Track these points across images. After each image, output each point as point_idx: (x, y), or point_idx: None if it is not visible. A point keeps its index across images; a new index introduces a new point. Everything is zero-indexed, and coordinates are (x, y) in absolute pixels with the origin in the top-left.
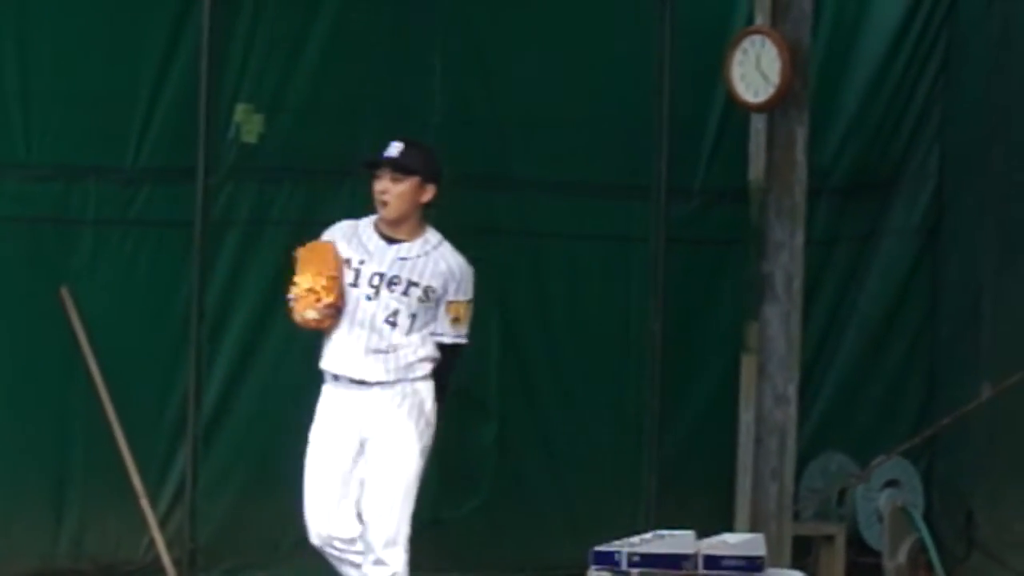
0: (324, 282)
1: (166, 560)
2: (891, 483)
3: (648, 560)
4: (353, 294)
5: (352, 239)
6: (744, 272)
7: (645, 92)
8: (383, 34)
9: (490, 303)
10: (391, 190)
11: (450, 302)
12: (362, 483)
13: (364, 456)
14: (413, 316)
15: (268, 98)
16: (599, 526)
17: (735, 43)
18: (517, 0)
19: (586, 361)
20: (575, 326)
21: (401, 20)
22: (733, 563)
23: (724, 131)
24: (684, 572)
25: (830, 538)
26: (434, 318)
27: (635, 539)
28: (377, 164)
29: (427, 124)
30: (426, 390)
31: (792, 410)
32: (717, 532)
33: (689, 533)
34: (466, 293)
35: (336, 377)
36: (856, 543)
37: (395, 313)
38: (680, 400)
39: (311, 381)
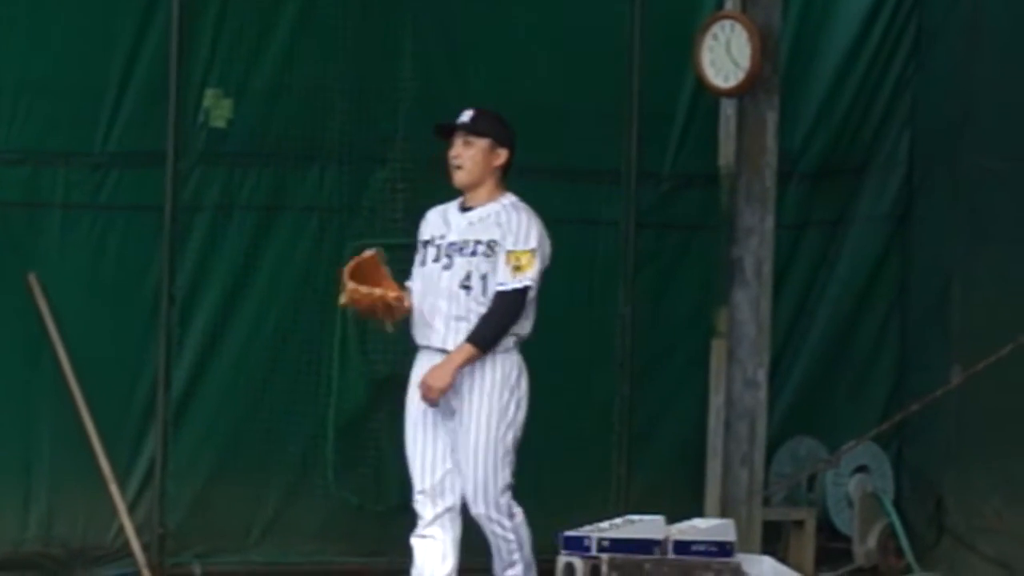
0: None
1: (135, 545)
2: (861, 468)
3: (618, 545)
4: (435, 268)
5: (436, 220)
6: (714, 257)
7: (615, 77)
8: (352, 18)
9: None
10: (463, 154)
11: (509, 251)
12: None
13: (455, 425)
14: (484, 277)
15: (237, 83)
16: (569, 511)
17: (705, 28)
18: None
19: (555, 345)
20: (545, 310)
21: (370, 4)
22: (703, 548)
23: (694, 116)
24: (654, 557)
25: (800, 523)
26: (493, 269)
27: (605, 524)
28: (449, 129)
29: (397, 108)
30: (512, 363)
31: (762, 395)
32: (687, 517)
33: (659, 518)
34: (526, 243)
35: (422, 348)
36: (826, 528)
37: (467, 276)
38: (649, 384)
39: (280, 364)
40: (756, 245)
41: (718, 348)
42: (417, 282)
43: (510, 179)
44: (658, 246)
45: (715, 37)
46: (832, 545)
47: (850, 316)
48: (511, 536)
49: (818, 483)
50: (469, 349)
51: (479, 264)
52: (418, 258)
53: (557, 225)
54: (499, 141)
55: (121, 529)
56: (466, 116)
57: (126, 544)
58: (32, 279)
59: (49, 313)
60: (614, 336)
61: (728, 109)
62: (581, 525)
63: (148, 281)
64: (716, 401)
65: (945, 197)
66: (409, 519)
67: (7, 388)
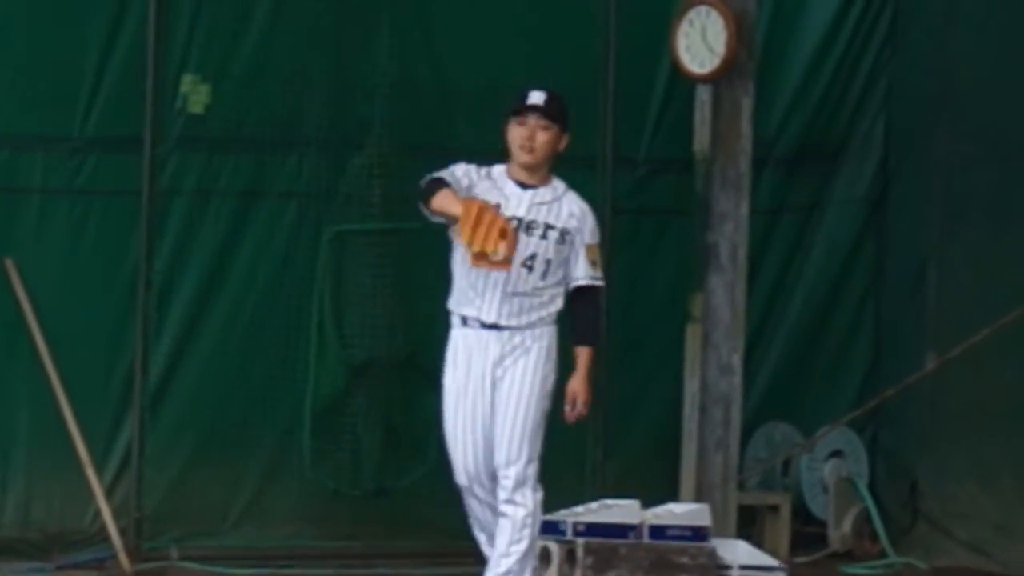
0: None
1: (112, 529)
2: (836, 453)
3: (593, 529)
4: None
5: (485, 185)
6: (689, 242)
7: (591, 63)
8: (330, 4)
9: (436, 272)
10: (538, 137)
11: (588, 245)
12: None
13: (496, 398)
14: (548, 261)
15: (215, 68)
16: (545, 496)
17: (681, 14)
18: None
19: None
20: None
21: None
22: (678, 532)
23: (669, 102)
24: (629, 541)
25: (775, 508)
26: (565, 264)
27: (580, 508)
28: (526, 110)
29: (374, 94)
30: (552, 336)
31: (737, 380)
32: (662, 501)
33: (634, 503)
34: (597, 237)
35: (465, 320)
36: (801, 513)
37: (532, 257)
38: (625, 369)
39: (258, 349)
40: (731, 230)
41: (693, 333)
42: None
43: (487, 164)
44: (634, 231)
45: (691, 23)
46: (807, 530)
47: (825, 301)
48: (524, 512)
49: (793, 468)
50: (590, 353)
51: (548, 248)
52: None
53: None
54: (565, 127)
55: (98, 513)
56: (540, 99)
57: (103, 528)
58: (9, 264)
59: (26, 298)
60: None
61: (703, 94)
62: (557, 509)
63: (126, 266)
64: (691, 386)
65: (920, 182)
66: (384, 504)
67: None
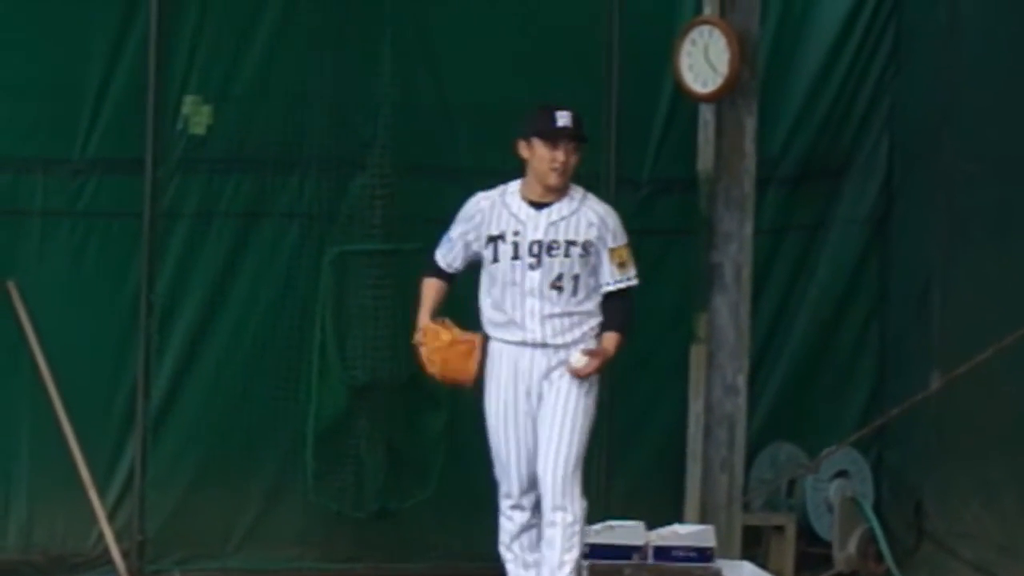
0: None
1: (115, 552)
2: (841, 473)
3: (598, 551)
4: (517, 266)
5: (499, 212)
6: (693, 262)
7: (593, 82)
8: (331, 24)
9: None
10: (571, 160)
11: (611, 249)
12: (537, 437)
13: (541, 412)
14: (576, 277)
15: (216, 90)
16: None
17: (683, 33)
18: None
19: None
20: None
21: (350, 10)
22: (683, 554)
23: (672, 121)
24: (634, 562)
25: (780, 528)
26: (596, 272)
27: (586, 529)
28: (557, 133)
29: (376, 115)
30: (592, 346)
31: (742, 400)
32: (667, 522)
33: (639, 523)
34: (623, 237)
35: (513, 343)
36: (806, 533)
37: (559, 277)
38: (629, 390)
39: (260, 371)
40: (735, 250)
41: (698, 353)
42: (497, 277)
43: (489, 185)
44: (637, 252)
45: (693, 42)
46: (812, 550)
47: (830, 321)
48: (572, 518)
49: (798, 488)
50: (618, 339)
51: (573, 265)
52: (486, 252)
53: None
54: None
55: (101, 536)
56: (567, 119)
57: (106, 551)
58: (11, 286)
59: (28, 320)
60: None
61: (707, 114)
62: None
63: (127, 288)
64: (696, 406)
65: (924, 200)
66: (386, 526)
67: None
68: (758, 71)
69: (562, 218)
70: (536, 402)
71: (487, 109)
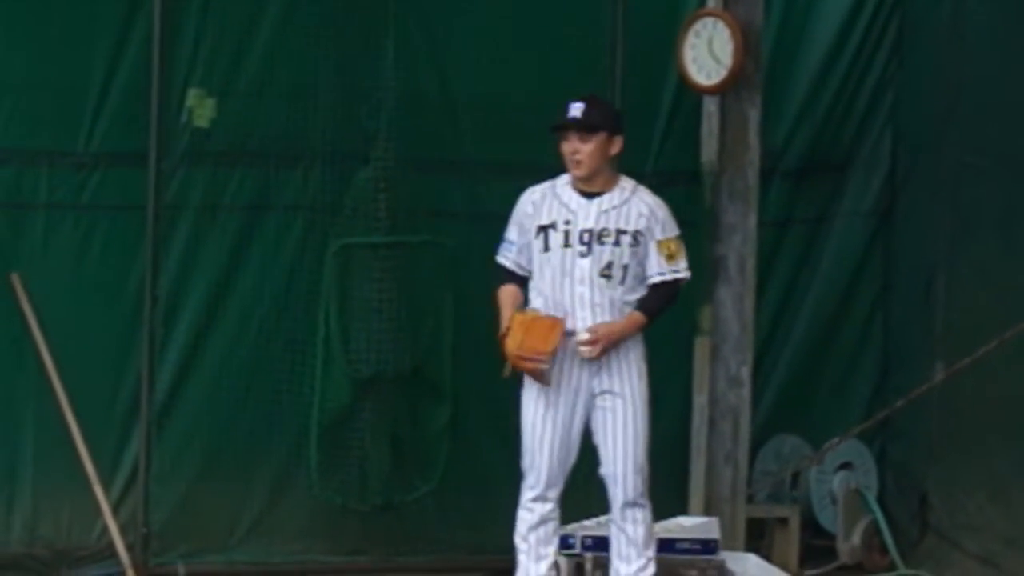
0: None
1: (120, 545)
2: (845, 465)
3: (602, 543)
4: (567, 254)
5: (550, 203)
6: (697, 254)
7: (597, 75)
8: (335, 17)
9: (442, 286)
10: (582, 149)
11: (659, 241)
12: (594, 437)
13: (596, 410)
14: (625, 267)
15: (220, 83)
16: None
17: (687, 25)
18: None
19: None
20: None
21: (353, 3)
22: (687, 546)
23: (676, 114)
24: None
25: (784, 520)
26: (644, 263)
27: (590, 522)
28: (563, 127)
29: (380, 107)
30: (640, 341)
31: (746, 392)
32: (672, 515)
33: None
34: (673, 229)
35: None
36: (810, 525)
37: (609, 266)
38: None
39: (264, 364)
40: (739, 243)
41: (702, 346)
42: (545, 267)
43: (493, 177)
44: None
45: (697, 34)
46: (816, 542)
47: (833, 313)
48: (644, 529)
49: (802, 480)
50: (641, 320)
51: (622, 254)
52: (536, 242)
53: None
54: (613, 131)
55: (105, 529)
56: (576, 111)
57: (110, 544)
58: (15, 279)
59: (32, 314)
60: None
61: (710, 106)
62: (567, 523)
63: (132, 281)
64: (700, 399)
65: (928, 193)
66: (391, 519)
67: None
68: (762, 63)
69: (613, 207)
70: (586, 398)
71: (491, 102)
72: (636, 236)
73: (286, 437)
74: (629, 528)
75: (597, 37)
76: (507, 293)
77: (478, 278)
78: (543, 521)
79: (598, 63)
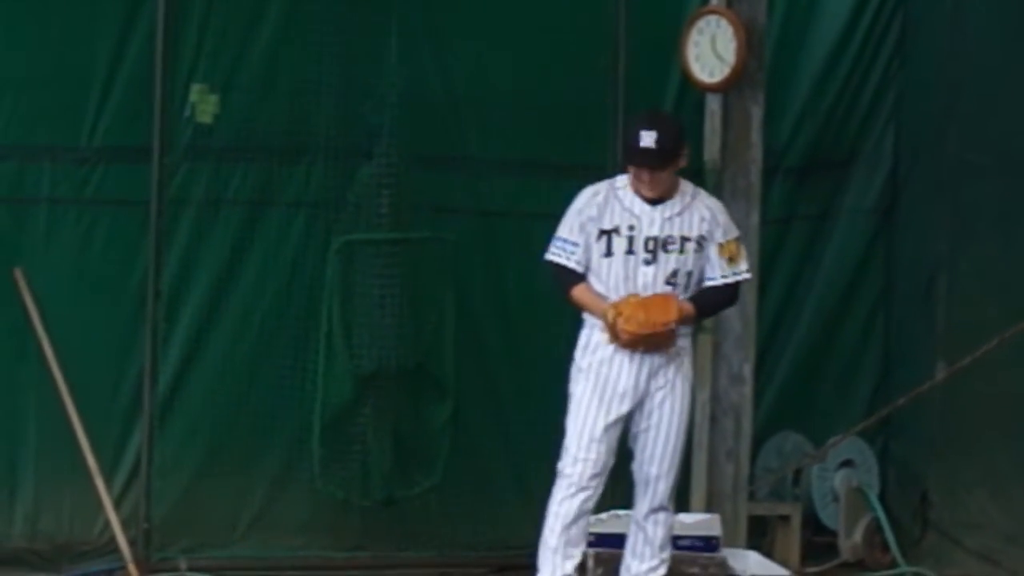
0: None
1: (121, 540)
2: (846, 463)
3: (604, 540)
4: (630, 261)
5: (612, 207)
6: None
7: (600, 72)
8: (338, 13)
9: (445, 282)
10: (655, 179)
11: (720, 244)
12: (636, 435)
13: (643, 410)
14: (689, 273)
15: (223, 78)
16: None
17: (690, 23)
18: None
19: (540, 339)
20: (529, 305)
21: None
22: (689, 543)
23: (679, 111)
24: None
25: (786, 518)
26: (704, 266)
27: (592, 519)
28: (638, 159)
29: (383, 103)
30: (691, 348)
31: (747, 390)
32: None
33: None
34: (733, 231)
35: None
36: (812, 523)
37: (674, 273)
38: None
39: (267, 359)
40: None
41: (704, 343)
42: (605, 272)
43: (496, 174)
44: None
45: (700, 32)
46: (818, 539)
47: (835, 311)
48: (663, 531)
49: (804, 478)
50: (692, 311)
51: (687, 261)
52: (597, 246)
53: (543, 219)
54: (682, 153)
55: (107, 524)
56: (650, 140)
57: (112, 539)
58: (18, 274)
59: (35, 308)
60: None
61: (713, 104)
62: None
63: (134, 276)
64: (702, 396)
65: (930, 191)
66: (393, 514)
67: None
68: (765, 61)
69: (676, 214)
70: (641, 395)
71: (494, 98)
72: (700, 241)
73: (288, 432)
74: (650, 528)
75: (600, 34)
76: (587, 291)
77: (481, 274)
78: (579, 516)
79: (601, 60)
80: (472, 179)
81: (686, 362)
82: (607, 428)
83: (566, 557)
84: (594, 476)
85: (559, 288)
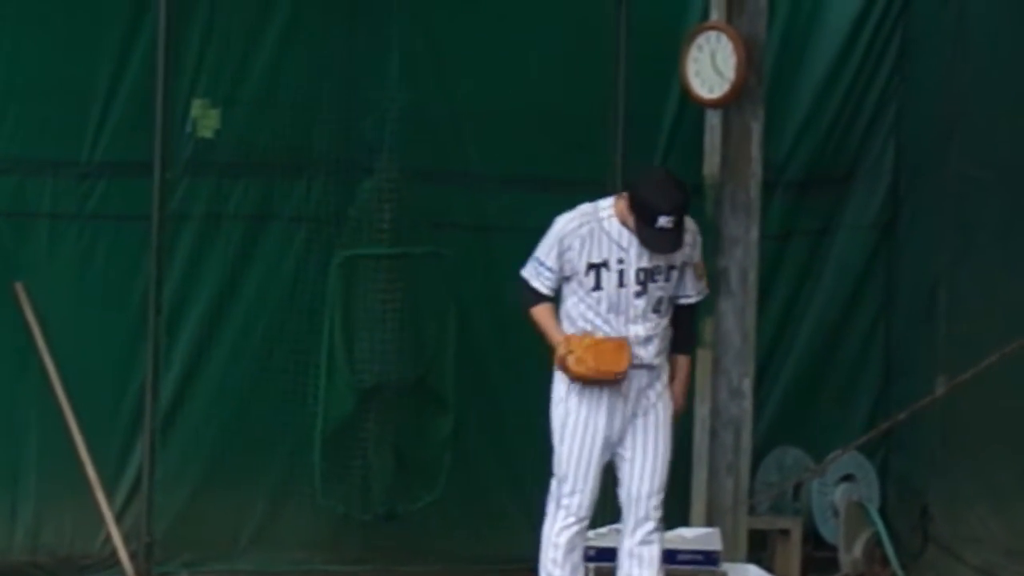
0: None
1: (123, 553)
2: (847, 477)
3: (604, 554)
4: (622, 294)
5: (598, 239)
6: None
7: (600, 88)
8: (339, 29)
9: (446, 297)
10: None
11: (696, 265)
12: (622, 457)
13: (630, 432)
14: (670, 298)
15: (224, 93)
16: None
17: (690, 39)
18: None
19: (539, 354)
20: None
21: (357, 16)
22: (689, 557)
23: (679, 127)
24: None
25: (786, 532)
26: (679, 285)
27: (591, 534)
28: (654, 242)
29: (383, 119)
30: (665, 362)
31: (747, 404)
32: (673, 526)
33: None
34: (701, 248)
35: None
36: (812, 537)
37: (659, 301)
38: None
39: (268, 374)
40: (741, 255)
41: (704, 358)
42: (595, 303)
43: (496, 189)
44: None
45: (700, 48)
46: (818, 554)
47: (835, 325)
48: (658, 549)
49: (804, 492)
50: (689, 360)
51: (669, 287)
52: (586, 280)
53: (538, 236)
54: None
55: (108, 537)
56: (669, 223)
57: (113, 553)
58: (19, 288)
59: (36, 322)
60: None
61: (713, 119)
62: None
63: (135, 291)
64: (702, 410)
65: (930, 206)
66: (394, 528)
67: None
68: (765, 77)
69: None
70: (628, 416)
71: (494, 114)
72: (682, 268)
73: (289, 446)
74: (645, 552)
75: (601, 51)
76: (547, 312)
77: (481, 289)
78: (578, 544)
79: (602, 76)
80: (472, 194)
81: (664, 378)
82: (601, 455)
83: None
84: (591, 505)
85: (522, 303)
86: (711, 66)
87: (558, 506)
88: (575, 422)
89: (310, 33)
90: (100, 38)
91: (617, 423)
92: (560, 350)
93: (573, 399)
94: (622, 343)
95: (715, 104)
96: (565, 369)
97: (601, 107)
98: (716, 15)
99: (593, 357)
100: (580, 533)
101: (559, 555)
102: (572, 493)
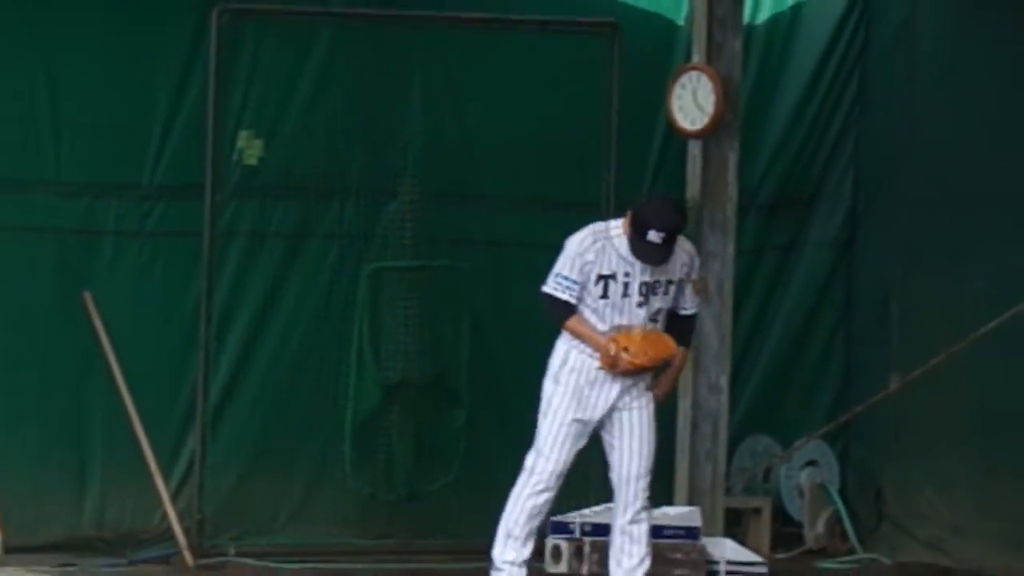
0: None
1: (177, 529)
2: (811, 463)
3: (599, 529)
4: (626, 304)
5: (609, 254)
6: None
7: (596, 120)
8: (368, 70)
9: (460, 304)
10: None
11: (694, 281)
12: (612, 444)
13: (617, 421)
14: (667, 310)
15: (267, 126)
16: (557, 499)
17: (675, 78)
18: (485, 40)
19: (544, 356)
20: (534, 324)
21: (384, 57)
22: (673, 532)
23: (665, 155)
24: None
25: (757, 510)
26: (677, 299)
27: (587, 511)
28: (644, 256)
29: (407, 148)
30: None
31: (724, 398)
32: (659, 505)
33: None
34: (698, 266)
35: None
36: (780, 515)
37: (657, 311)
38: None
39: (304, 373)
40: (719, 268)
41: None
42: (601, 310)
43: (505, 209)
44: None
45: (683, 86)
46: (786, 530)
47: (801, 329)
48: (646, 527)
49: (773, 475)
50: (687, 352)
51: (667, 300)
52: (595, 289)
53: (547, 249)
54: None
55: (165, 515)
56: (659, 238)
57: (169, 528)
58: (87, 297)
59: (102, 328)
60: None
61: (694, 149)
62: (567, 512)
63: (189, 300)
64: (684, 404)
65: (885, 225)
66: (414, 507)
67: (65, 394)
68: (740, 112)
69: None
70: (609, 410)
71: (504, 143)
72: (679, 283)
73: (323, 436)
74: (635, 530)
75: (596, 87)
76: (581, 322)
77: (492, 298)
78: (541, 512)
79: (597, 110)
80: (484, 214)
81: (648, 378)
82: (578, 434)
83: (524, 545)
84: (559, 476)
85: (555, 318)
86: (693, 102)
87: (531, 473)
88: (560, 400)
89: (343, 73)
90: (159, 77)
91: (600, 410)
92: (611, 350)
93: (565, 375)
94: (660, 332)
95: (696, 135)
96: (615, 364)
97: (596, 137)
98: (697, 57)
99: (650, 346)
100: (547, 502)
101: (523, 517)
102: (546, 461)
